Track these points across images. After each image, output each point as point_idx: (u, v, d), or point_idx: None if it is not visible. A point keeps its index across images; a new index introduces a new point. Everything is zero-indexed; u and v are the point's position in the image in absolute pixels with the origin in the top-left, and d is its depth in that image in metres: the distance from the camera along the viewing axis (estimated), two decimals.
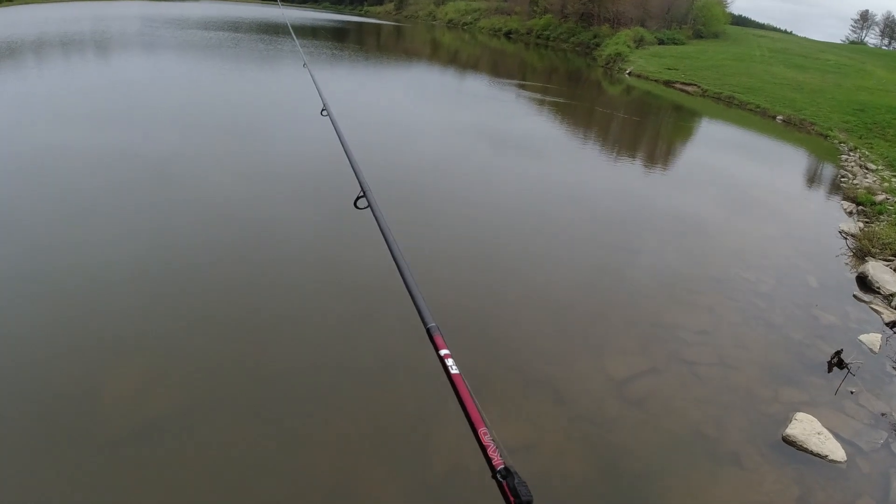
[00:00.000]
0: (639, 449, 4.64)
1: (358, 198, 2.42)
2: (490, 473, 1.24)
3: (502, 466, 1.25)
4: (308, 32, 46.56)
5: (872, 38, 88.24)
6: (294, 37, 9.80)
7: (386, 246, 2.02)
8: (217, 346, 5.25)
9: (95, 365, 4.82)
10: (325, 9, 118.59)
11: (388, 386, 5.05)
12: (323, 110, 3.91)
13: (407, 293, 1.77)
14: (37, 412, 4.26)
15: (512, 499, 1.20)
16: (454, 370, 1.47)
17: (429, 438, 4.47)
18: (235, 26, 43.52)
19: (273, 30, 43.78)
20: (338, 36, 46.58)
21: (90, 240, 6.95)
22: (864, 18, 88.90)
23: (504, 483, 1.22)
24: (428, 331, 1.61)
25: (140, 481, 3.79)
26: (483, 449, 1.29)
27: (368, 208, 2.34)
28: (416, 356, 5.16)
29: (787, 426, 4.95)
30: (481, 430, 1.32)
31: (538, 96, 24.67)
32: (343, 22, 70.95)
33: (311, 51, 29.73)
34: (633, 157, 15.97)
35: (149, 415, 4.31)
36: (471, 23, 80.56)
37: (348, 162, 2.86)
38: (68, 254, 6.60)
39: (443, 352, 1.53)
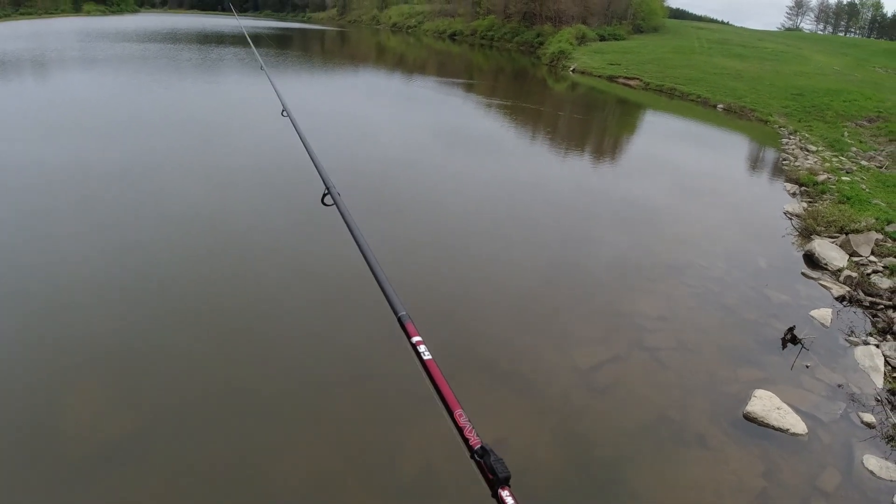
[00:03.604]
0: (607, 436, 4.68)
1: (324, 195, 2.43)
2: (468, 454, 1.27)
3: (479, 446, 1.28)
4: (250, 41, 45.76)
5: (808, 24, 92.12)
6: (251, 44, 9.77)
7: (353, 240, 2.02)
8: (184, 353, 5.13)
9: (56, 384, 4.64)
10: (267, 16, 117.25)
11: (364, 382, 5.01)
12: (283, 111, 3.87)
13: (377, 285, 1.78)
14: None
15: (490, 476, 1.22)
16: (427, 356, 1.50)
17: (409, 427, 4.45)
18: (179, 37, 42.48)
19: (221, 40, 42.91)
20: (281, 43, 45.90)
21: (49, 254, 6.73)
22: (799, 5, 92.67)
23: (482, 461, 1.25)
24: (399, 319, 1.63)
25: None
26: (459, 430, 1.32)
27: (335, 205, 2.36)
28: (391, 346, 5.12)
29: (747, 404, 5.05)
30: (457, 412, 1.35)
31: (487, 96, 24.81)
32: (285, 29, 70.03)
33: (255, 59, 29.20)
34: (585, 151, 16.19)
35: (112, 434, 4.15)
36: (415, 26, 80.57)
37: (311, 161, 2.84)
38: (25, 269, 6.38)
39: (415, 339, 1.56)
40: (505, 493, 1.20)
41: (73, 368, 4.85)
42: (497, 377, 5.23)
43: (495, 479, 1.22)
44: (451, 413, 1.36)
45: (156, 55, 29.29)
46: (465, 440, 1.30)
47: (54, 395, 4.55)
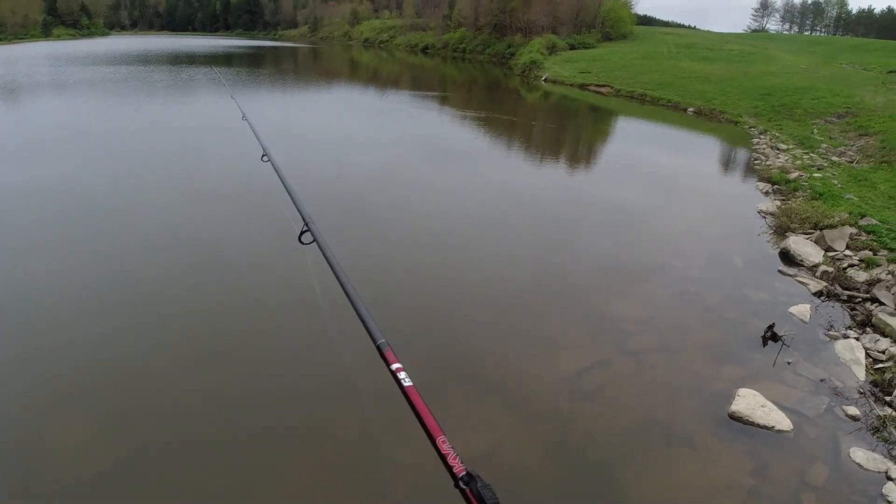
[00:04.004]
0: (596, 441, 4.67)
1: (302, 232, 2.38)
2: (453, 482, 1.22)
3: (464, 473, 1.23)
4: (222, 60, 45.61)
5: (774, 25, 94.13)
6: (222, 81, 9.51)
7: (333, 276, 2.00)
8: (167, 386, 5.03)
9: (42, 412, 4.56)
10: (238, 35, 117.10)
11: (348, 409, 4.93)
12: (263, 156, 3.74)
13: (356, 315, 1.77)
14: None
15: None
16: (407, 382, 1.47)
17: (391, 452, 4.36)
18: (150, 58, 42.13)
19: (192, 60, 42.64)
20: (254, 61, 45.78)
21: (18, 284, 6.63)
22: (765, 6, 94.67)
23: (468, 489, 1.21)
24: (378, 347, 1.62)
25: None
26: (443, 458, 1.27)
27: (314, 242, 2.30)
28: (370, 374, 5.03)
29: (731, 403, 5.05)
30: (440, 439, 1.31)
31: (461, 108, 24.90)
32: (257, 47, 69.87)
33: (228, 78, 29.07)
34: (560, 158, 16.27)
35: (102, 463, 4.07)
36: (387, 41, 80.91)
37: (290, 198, 2.78)
38: (7, 297, 6.30)
39: (394, 366, 1.53)
40: None
41: (60, 396, 4.77)
42: (483, 388, 5.19)
43: None
44: (433, 440, 1.32)
45: (126, 77, 29.01)
46: (449, 468, 1.25)
47: (41, 423, 4.45)
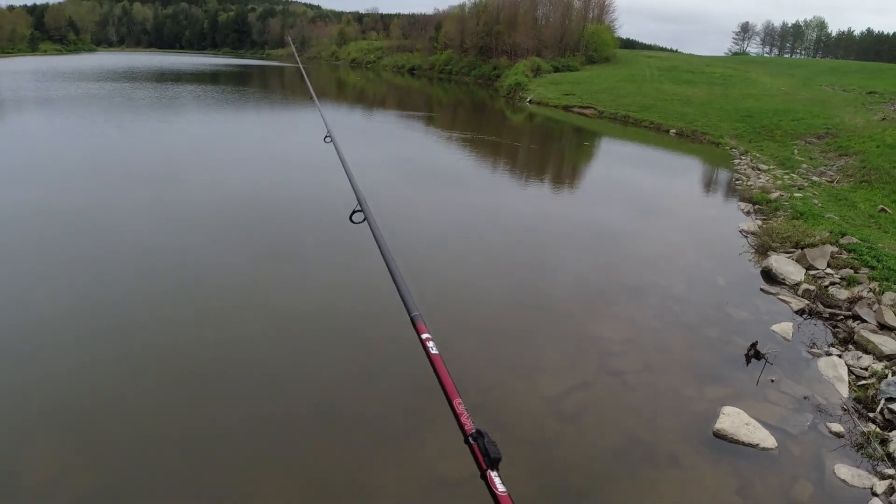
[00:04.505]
0: (580, 464, 4.60)
1: (353, 212, 2.64)
2: (462, 438, 1.35)
3: (473, 430, 1.37)
4: (208, 79, 45.58)
5: (754, 48, 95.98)
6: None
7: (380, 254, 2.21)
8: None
9: (15, 440, 4.40)
10: (226, 54, 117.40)
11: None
12: (326, 137, 4.05)
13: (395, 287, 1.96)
14: None
15: (481, 458, 1.31)
16: (434, 351, 1.63)
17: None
18: (136, 75, 42.01)
19: (178, 78, 42.55)
20: (241, 80, 45.83)
21: (25, 301, 6.52)
22: (745, 30, 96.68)
23: (475, 445, 1.34)
24: (412, 318, 1.77)
25: None
26: (457, 416, 1.42)
27: (365, 221, 2.57)
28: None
29: (716, 421, 5.01)
30: (456, 401, 1.47)
31: (447, 129, 25.06)
32: (244, 66, 70.02)
33: (214, 96, 29.01)
34: (544, 179, 16.37)
35: (78, 488, 3.95)
36: (374, 61, 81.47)
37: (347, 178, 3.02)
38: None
39: (424, 335, 1.70)
40: (494, 474, 1.28)
41: (32, 423, 4.61)
42: (467, 410, 5.07)
43: (487, 461, 1.30)
44: (450, 401, 1.48)
45: (110, 94, 28.86)
46: (462, 426, 1.40)
47: (16, 447, 4.30)
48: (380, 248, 2.27)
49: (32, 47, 75.71)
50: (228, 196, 11.21)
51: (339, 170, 3.04)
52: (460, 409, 1.45)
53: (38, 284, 6.95)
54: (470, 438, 1.36)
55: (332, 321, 6.62)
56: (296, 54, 10.07)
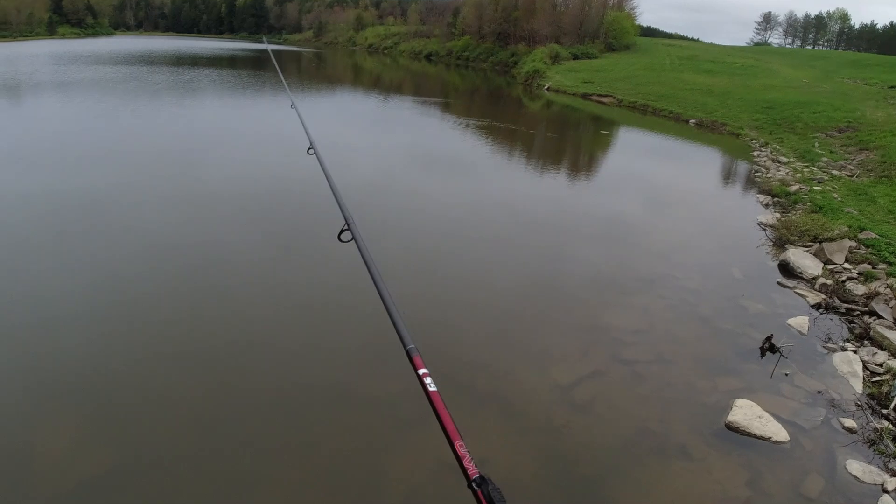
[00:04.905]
0: (590, 452, 4.62)
1: (342, 231, 2.46)
2: (466, 483, 1.32)
3: (477, 475, 1.33)
4: (225, 63, 45.72)
5: (776, 38, 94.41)
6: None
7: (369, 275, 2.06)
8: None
9: (29, 419, 4.49)
10: (243, 38, 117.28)
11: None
12: (310, 149, 3.77)
13: (388, 318, 1.84)
14: None
15: None
16: (432, 388, 1.54)
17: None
18: (154, 59, 42.24)
19: (195, 62, 42.72)
20: (257, 65, 45.88)
21: (29, 284, 6.61)
22: (767, 20, 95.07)
23: (479, 491, 1.30)
24: (408, 352, 1.68)
25: None
26: (459, 460, 1.36)
27: (353, 240, 2.36)
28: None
29: (728, 413, 5.02)
30: (457, 443, 1.40)
31: (463, 115, 24.97)
32: (261, 50, 70.09)
33: (231, 80, 29.10)
34: (560, 168, 16.28)
35: (88, 471, 4.00)
36: (391, 47, 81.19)
37: (333, 195, 2.87)
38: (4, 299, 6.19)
39: (421, 371, 1.60)
40: None
41: (46, 402, 4.70)
42: (477, 398, 5.13)
43: None
44: (451, 443, 1.42)
45: (126, 78, 29.06)
46: (464, 469, 1.35)
47: (27, 430, 4.38)
48: (370, 272, 2.07)
49: (51, 31, 76.21)
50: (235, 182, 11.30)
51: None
52: (462, 451, 1.39)
53: (48, 263, 7.10)
54: (473, 484, 1.33)
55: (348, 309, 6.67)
56: (265, 40, 10.02)
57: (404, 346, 1.71)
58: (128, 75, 30.35)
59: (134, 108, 19.78)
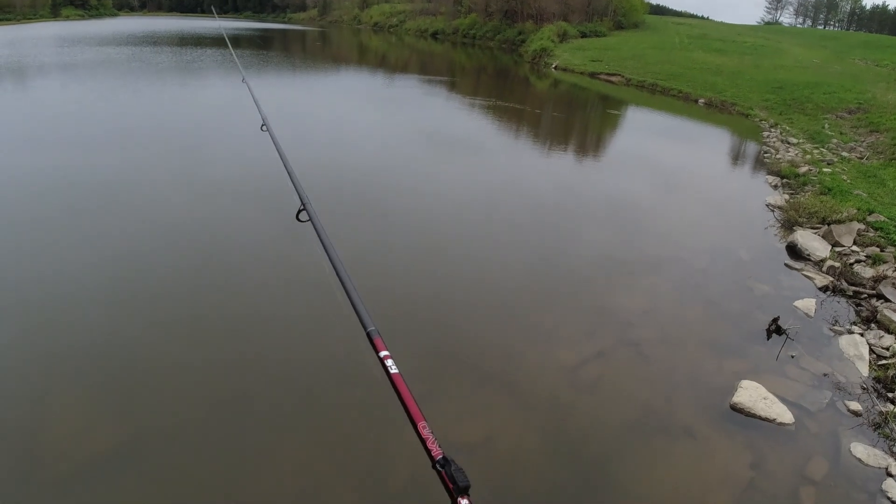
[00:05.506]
0: (594, 433, 4.64)
1: (299, 210, 2.45)
2: (430, 464, 1.33)
3: (441, 456, 1.35)
4: (231, 42, 45.43)
5: (787, 18, 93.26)
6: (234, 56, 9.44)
7: (327, 258, 2.04)
8: (164, 365, 5.01)
9: (39, 396, 4.53)
10: (247, 17, 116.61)
11: (339, 393, 4.89)
12: (263, 125, 3.77)
13: (348, 301, 1.82)
14: None
15: (451, 485, 1.30)
16: (394, 370, 1.56)
17: (378, 437, 4.34)
18: (159, 39, 42.05)
19: (199, 42, 42.51)
20: (262, 44, 45.62)
21: (27, 266, 6.59)
22: None
23: (443, 472, 1.32)
24: (368, 335, 1.68)
25: None
26: (423, 441, 1.39)
27: (310, 221, 2.36)
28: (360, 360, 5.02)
29: (733, 395, 5.04)
30: (420, 424, 1.42)
31: (469, 95, 24.81)
32: (265, 30, 69.63)
33: (234, 60, 28.88)
34: (567, 149, 16.18)
35: (98, 449, 4.04)
36: (397, 25, 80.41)
37: (289, 177, 2.82)
38: (9, 280, 6.26)
39: (382, 353, 1.61)
40: (464, 502, 1.27)
41: (56, 380, 4.74)
42: (483, 378, 5.16)
43: (455, 489, 1.29)
44: (415, 425, 1.43)
45: (129, 58, 28.96)
46: (428, 451, 1.36)
47: (38, 407, 4.42)
48: (326, 252, 2.06)
49: (54, 13, 75.69)
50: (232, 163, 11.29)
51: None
52: (425, 433, 1.40)
53: (63, 249, 7.10)
54: (437, 465, 1.34)
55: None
56: (214, 12, 9.83)
57: (364, 329, 1.70)
58: (131, 55, 30.21)
59: (135, 88, 19.72)
